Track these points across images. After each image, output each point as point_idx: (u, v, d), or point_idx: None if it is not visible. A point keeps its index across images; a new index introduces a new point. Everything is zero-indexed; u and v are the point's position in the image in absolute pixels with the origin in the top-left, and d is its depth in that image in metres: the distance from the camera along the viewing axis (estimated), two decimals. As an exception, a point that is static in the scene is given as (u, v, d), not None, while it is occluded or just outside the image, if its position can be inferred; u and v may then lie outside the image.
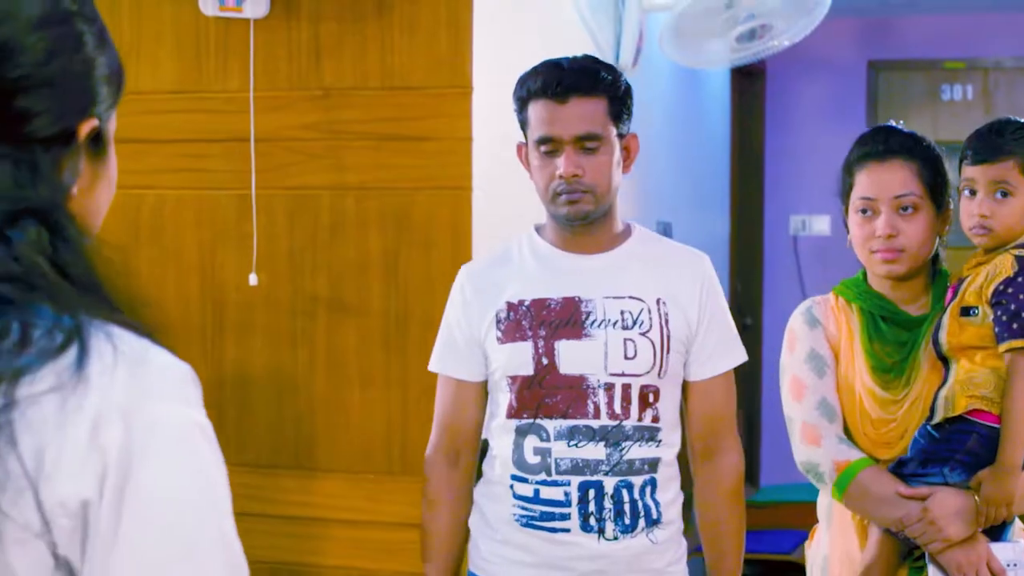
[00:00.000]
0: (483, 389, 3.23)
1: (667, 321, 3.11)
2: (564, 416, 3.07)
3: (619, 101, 3.12)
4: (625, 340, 3.08)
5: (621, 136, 3.13)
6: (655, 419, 3.10)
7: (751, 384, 8.48)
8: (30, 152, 1.35)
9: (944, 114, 8.90)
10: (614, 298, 3.11)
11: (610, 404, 3.07)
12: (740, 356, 3.24)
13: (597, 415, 3.07)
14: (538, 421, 3.09)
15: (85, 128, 1.41)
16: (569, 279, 3.14)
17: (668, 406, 3.13)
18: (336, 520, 4.26)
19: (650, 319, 3.10)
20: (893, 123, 3.28)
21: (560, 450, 3.07)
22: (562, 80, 3.08)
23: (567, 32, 5.05)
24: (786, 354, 3.28)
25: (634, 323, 3.10)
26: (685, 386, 3.21)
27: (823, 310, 3.28)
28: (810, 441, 3.16)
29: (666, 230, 6.45)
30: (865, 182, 3.18)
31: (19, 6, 1.35)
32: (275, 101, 4.28)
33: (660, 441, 3.11)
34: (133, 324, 1.37)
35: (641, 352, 3.09)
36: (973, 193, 3.08)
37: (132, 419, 1.29)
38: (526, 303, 3.13)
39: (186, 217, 4.39)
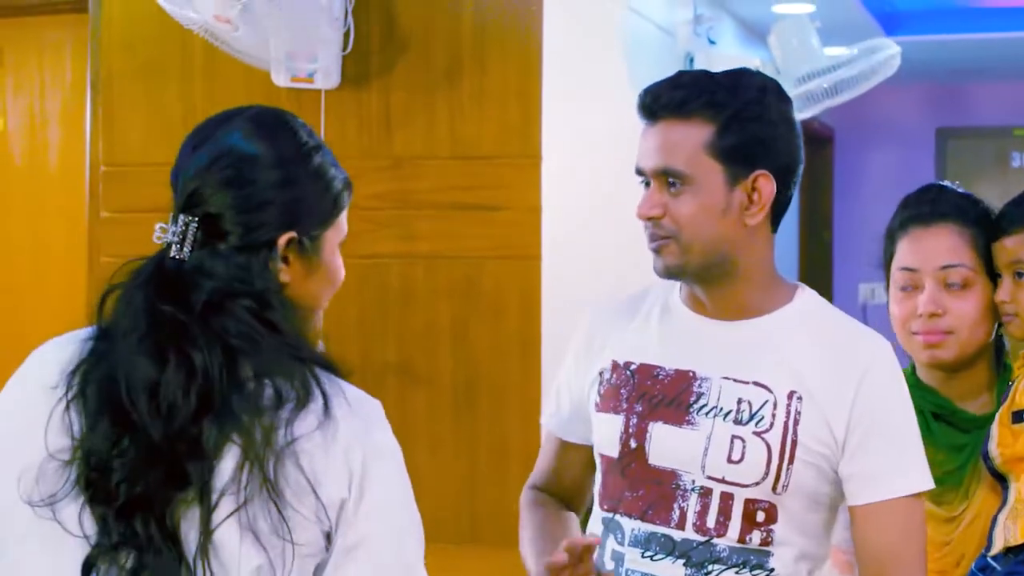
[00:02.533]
0: (591, 453, 2.57)
1: (797, 422, 2.35)
2: (642, 517, 2.41)
3: (737, 127, 2.35)
4: (733, 438, 2.35)
5: (737, 177, 2.36)
6: (765, 542, 2.35)
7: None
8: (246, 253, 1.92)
9: (1014, 182, 8.84)
10: (734, 381, 2.38)
11: (701, 514, 2.36)
12: (921, 481, 2.38)
13: (682, 525, 2.37)
14: (616, 518, 2.44)
15: (282, 240, 1.94)
16: (689, 348, 2.44)
17: (794, 530, 2.37)
18: (404, 589, 4.24)
19: (773, 416, 2.35)
20: (947, 183, 2.84)
21: (633, 560, 2.41)
22: (658, 96, 2.39)
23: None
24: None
25: (751, 418, 2.36)
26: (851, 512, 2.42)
27: None
28: (842, 569, 2.59)
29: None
30: (907, 250, 2.67)
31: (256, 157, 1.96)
32: (346, 170, 4.29)
33: (773, 573, 2.36)
34: (334, 369, 2.01)
35: (750, 456, 2.34)
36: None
37: (366, 444, 1.91)
38: (633, 367, 2.46)
39: (257, 285, 4.41)
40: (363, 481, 1.88)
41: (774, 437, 2.33)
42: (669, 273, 2.40)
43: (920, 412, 2.50)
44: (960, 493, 2.59)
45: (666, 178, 2.35)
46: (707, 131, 2.33)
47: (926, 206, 2.68)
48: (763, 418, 2.34)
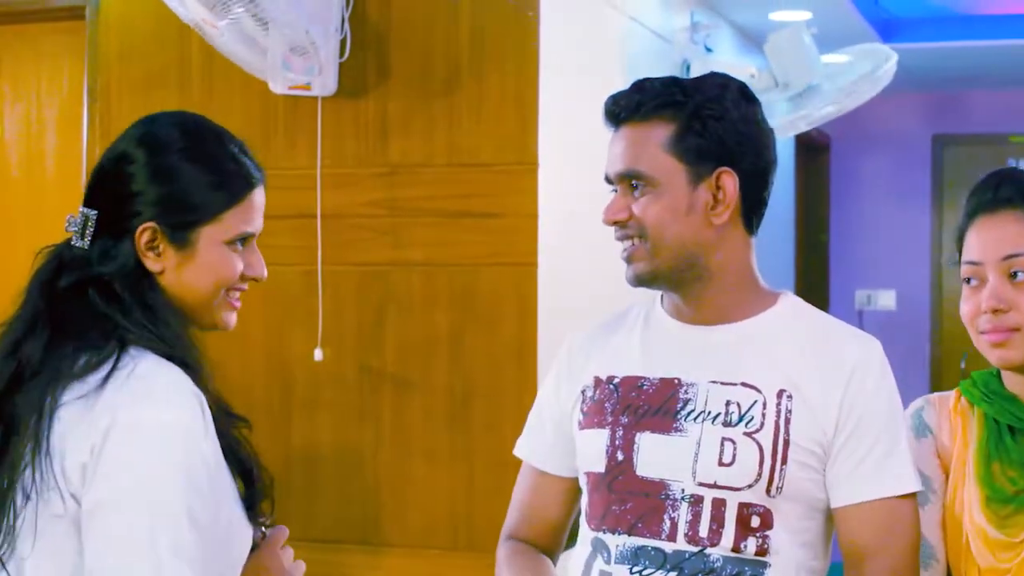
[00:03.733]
0: (574, 487, 2.52)
1: (788, 421, 2.29)
2: (630, 532, 2.32)
3: (697, 125, 2.33)
4: (723, 440, 2.29)
5: (699, 176, 2.33)
6: (761, 551, 2.27)
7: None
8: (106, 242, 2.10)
9: (1011, 188, 8.83)
10: (721, 384, 2.33)
11: (693, 523, 2.28)
12: (905, 482, 2.31)
13: (673, 536, 2.28)
14: (602, 536, 2.36)
15: (140, 229, 2.08)
16: (672, 355, 2.39)
17: (791, 538, 2.30)
18: (401, 596, 4.25)
19: (763, 416, 2.29)
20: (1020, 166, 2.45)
21: None
22: (619, 101, 2.40)
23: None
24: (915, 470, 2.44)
25: (740, 419, 2.29)
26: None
27: (937, 414, 2.48)
28: None
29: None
30: (971, 241, 2.40)
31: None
32: (342, 178, 4.31)
33: None
34: (171, 354, 2.04)
35: (742, 458, 2.27)
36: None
37: (119, 415, 1.95)
38: (616, 380, 2.41)
39: (253, 293, 4.40)
40: (103, 448, 1.94)
41: (765, 437, 2.28)
42: (640, 280, 2.37)
43: (995, 422, 2.39)
44: None
45: (630, 181, 2.34)
46: (667, 131, 2.33)
47: (989, 192, 2.40)
48: (753, 418, 2.29)
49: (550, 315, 4.12)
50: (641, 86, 2.38)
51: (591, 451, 2.39)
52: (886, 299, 8.89)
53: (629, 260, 2.36)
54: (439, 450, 4.20)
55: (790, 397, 2.30)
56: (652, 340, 2.43)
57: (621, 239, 2.37)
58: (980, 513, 2.35)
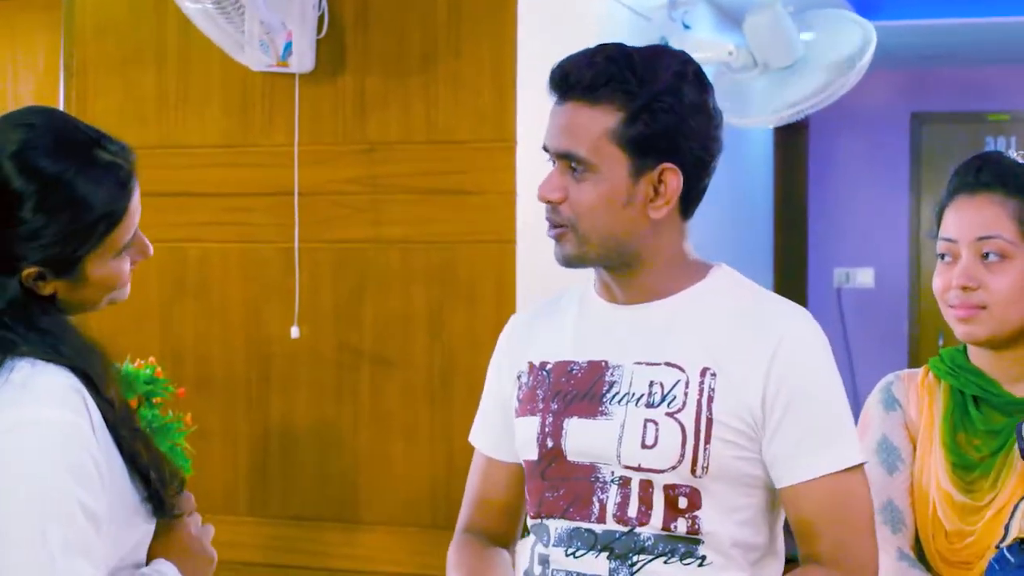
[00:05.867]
0: (522, 472, 2.44)
1: (711, 400, 2.22)
2: (563, 515, 2.28)
3: (646, 117, 2.22)
4: (646, 422, 2.23)
5: (642, 169, 2.23)
6: (693, 531, 2.22)
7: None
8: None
9: (988, 166, 8.85)
10: (646, 364, 2.26)
11: (622, 505, 2.24)
12: (847, 455, 2.24)
13: (602, 518, 2.25)
14: (544, 521, 2.32)
15: (24, 275, 2.01)
16: (600, 338, 2.33)
17: (724, 517, 2.24)
18: (379, 572, 4.25)
19: (685, 395, 2.22)
20: (1005, 149, 2.60)
21: (558, 560, 2.28)
22: (568, 74, 2.28)
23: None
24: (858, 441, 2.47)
25: (663, 399, 2.23)
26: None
27: (905, 388, 2.58)
28: None
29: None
30: (948, 220, 2.49)
31: None
32: (320, 155, 4.30)
33: (705, 561, 2.23)
34: (72, 366, 1.99)
35: (663, 439, 2.21)
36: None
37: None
38: (548, 366, 2.36)
39: (230, 270, 4.41)
40: None
41: (687, 417, 2.20)
42: (568, 262, 2.28)
43: (960, 394, 2.49)
44: (989, 481, 2.42)
45: (569, 162, 2.24)
46: (614, 118, 2.21)
47: (971, 175, 2.49)
48: (675, 398, 2.21)
49: (528, 292, 4.12)
50: (592, 61, 2.26)
51: (525, 439, 2.34)
52: (864, 277, 8.90)
53: (557, 240, 2.28)
54: (418, 428, 4.20)
55: (714, 375, 2.22)
56: (583, 323, 2.36)
57: (551, 220, 2.28)
58: (947, 479, 2.44)
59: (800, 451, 2.20)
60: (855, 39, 5.34)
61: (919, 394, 2.54)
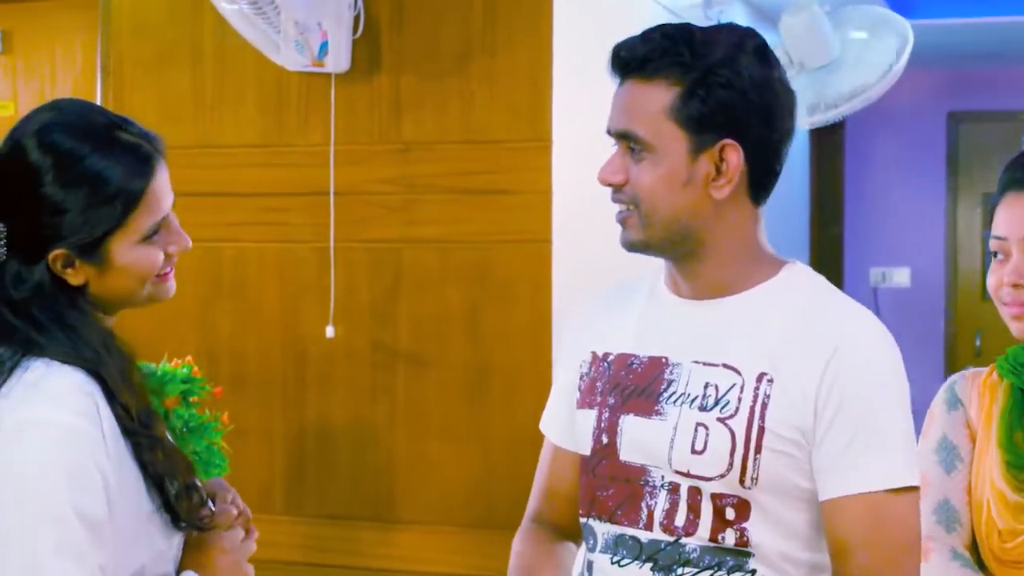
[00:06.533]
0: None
1: (764, 407, 2.09)
2: (611, 519, 2.20)
3: (703, 92, 2.12)
4: (697, 425, 2.12)
5: (701, 146, 2.14)
6: (742, 543, 2.10)
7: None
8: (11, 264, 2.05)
9: (1026, 166, 8.80)
10: (704, 364, 2.15)
11: (670, 512, 2.13)
12: (893, 475, 2.07)
13: (649, 525, 2.15)
14: (590, 522, 2.24)
15: (52, 257, 2.03)
16: (663, 333, 2.23)
17: (773, 531, 2.12)
18: (415, 572, 4.25)
19: (739, 400, 2.10)
20: None
21: (603, 567, 2.21)
22: (623, 51, 2.21)
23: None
24: (921, 440, 2.51)
25: (715, 403, 2.12)
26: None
27: (968, 387, 2.53)
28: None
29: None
30: (1000, 217, 2.45)
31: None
32: (355, 155, 4.30)
33: (756, 574, 2.11)
34: (89, 368, 1.99)
35: (713, 445, 2.10)
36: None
37: (3, 417, 1.93)
38: (611, 357, 2.26)
39: (266, 270, 4.42)
40: None
41: (739, 423, 2.08)
42: (632, 247, 2.19)
43: (1020, 393, 2.44)
44: None
45: (628, 143, 2.17)
46: (670, 94, 2.12)
47: (1019, 171, 2.45)
48: (728, 403, 2.10)
49: (564, 292, 4.11)
50: (648, 36, 2.18)
51: (582, 433, 2.27)
52: (900, 276, 8.86)
53: (622, 225, 2.20)
54: (454, 427, 4.20)
55: (771, 381, 2.09)
56: (649, 315, 2.26)
57: (616, 202, 2.20)
58: (1000, 478, 2.38)
59: (841, 463, 2.07)
60: (892, 39, 5.31)
61: (981, 392, 2.49)
